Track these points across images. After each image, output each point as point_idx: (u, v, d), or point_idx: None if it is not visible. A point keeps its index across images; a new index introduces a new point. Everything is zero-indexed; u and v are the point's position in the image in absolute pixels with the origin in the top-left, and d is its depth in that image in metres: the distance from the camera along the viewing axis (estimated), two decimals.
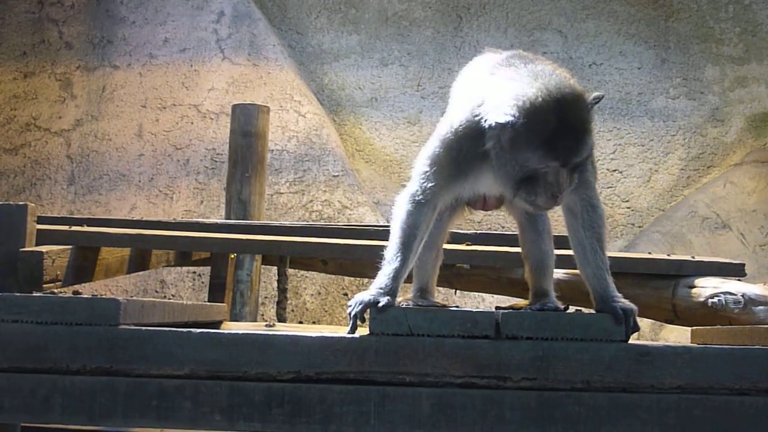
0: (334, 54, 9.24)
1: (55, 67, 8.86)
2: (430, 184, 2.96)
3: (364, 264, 5.33)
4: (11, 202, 4.43)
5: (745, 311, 4.28)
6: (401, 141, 9.09)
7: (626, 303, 2.84)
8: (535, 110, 2.67)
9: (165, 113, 8.66)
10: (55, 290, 4.69)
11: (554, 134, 2.68)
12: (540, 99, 2.68)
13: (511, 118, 2.66)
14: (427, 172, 2.97)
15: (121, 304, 2.75)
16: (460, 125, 2.89)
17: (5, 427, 3.32)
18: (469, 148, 2.85)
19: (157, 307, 3.17)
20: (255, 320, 6.39)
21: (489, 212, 3.42)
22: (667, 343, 2.94)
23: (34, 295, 2.94)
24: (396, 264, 2.91)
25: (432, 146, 2.99)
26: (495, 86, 2.82)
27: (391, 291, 2.87)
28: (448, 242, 4.96)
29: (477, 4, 9.13)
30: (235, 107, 7.09)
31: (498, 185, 2.88)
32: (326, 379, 2.67)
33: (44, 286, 4.22)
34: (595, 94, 2.81)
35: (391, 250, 2.95)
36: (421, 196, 2.96)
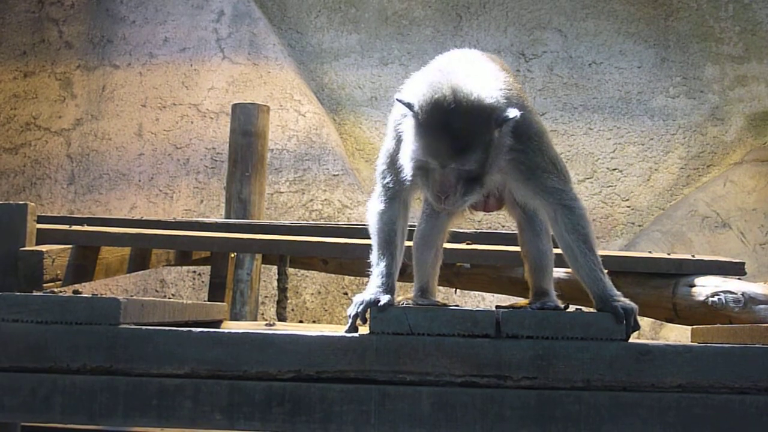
0: (334, 53, 9.23)
1: (55, 66, 8.86)
2: (389, 181, 3.02)
3: (365, 263, 5.30)
4: (11, 202, 4.43)
5: (745, 310, 4.28)
6: None
7: (626, 302, 2.83)
8: (427, 106, 2.72)
9: (165, 112, 8.66)
10: (55, 289, 4.69)
11: (434, 134, 2.72)
12: (435, 97, 2.72)
13: (409, 106, 2.76)
14: (384, 170, 3.04)
15: (121, 304, 2.75)
16: (394, 117, 3.00)
17: (5, 426, 3.32)
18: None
19: (157, 307, 3.17)
20: (255, 319, 6.39)
21: (489, 213, 3.41)
22: (667, 342, 2.94)
23: (35, 294, 2.94)
24: (385, 261, 2.94)
25: (385, 144, 3.06)
26: (419, 79, 2.87)
27: (390, 288, 2.89)
28: (449, 241, 4.97)
29: (477, 3, 9.13)
30: (235, 106, 7.09)
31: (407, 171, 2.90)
32: (326, 378, 2.67)
33: (44, 285, 4.22)
34: (508, 113, 2.74)
35: (376, 251, 3.02)
36: (385, 195, 3.04)
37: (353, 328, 2.81)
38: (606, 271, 3.00)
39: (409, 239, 3.33)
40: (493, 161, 2.79)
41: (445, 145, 2.73)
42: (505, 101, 2.77)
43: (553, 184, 2.94)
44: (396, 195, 3.01)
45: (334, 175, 8.40)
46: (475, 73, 2.84)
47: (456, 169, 2.75)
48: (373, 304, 2.79)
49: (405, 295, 3.48)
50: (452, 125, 2.71)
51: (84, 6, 8.99)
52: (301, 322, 7.73)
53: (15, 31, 8.96)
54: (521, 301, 3.45)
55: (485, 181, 2.83)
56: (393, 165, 2.98)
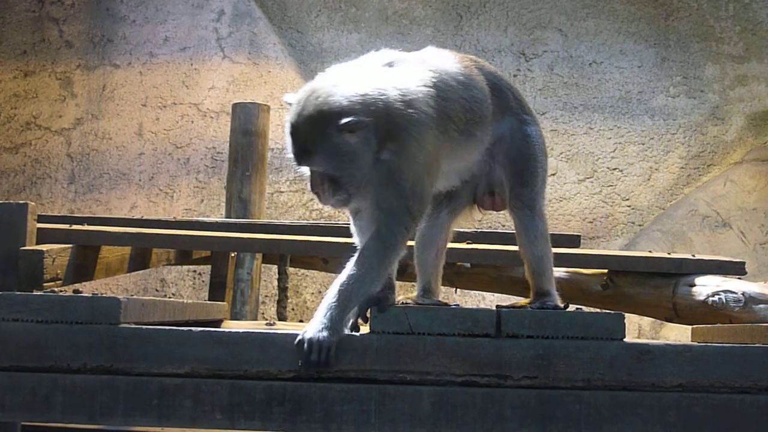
0: (335, 53, 9.23)
1: (55, 65, 8.85)
2: None
3: None
4: (12, 201, 4.43)
5: (745, 309, 4.28)
6: None
7: (319, 335, 2.67)
8: (290, 107, 2.86)
9: (165, 112, 8.66)
10: (56, 289, 4.69)
11: (288, 134, 2.84)
12: (296, 98, 2.84)
13: (289, 105, 2.89)
14: None
15: (121, 303, 2.75)
16: None
17: (6, 425, 3.32)
18: None
19: (157, 306, 3.17)
20: (255, 319, 6.39)
21: (498, 211, 3.40)
22: (667, 342, 2.94)
23: (35, 293, 2.94)
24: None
25: None
26: None
27: (389, 287, 2.93)
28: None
29: (477, 2, 9.13)
30: (235, 106, 7.09)
31: None
32: (327, 378, 2.67)
33: (45, 284, 4.22)
34: (349, 119, 2.73)
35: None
36: None
37: (355, 327, 2.81)
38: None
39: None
40: (350, 164, 2.79)
41: (294, 145, 2.83)
42: (359, 107, 2.74)
43: (389, 206, 2.83)
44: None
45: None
46: (352, 76, 2.86)
47: (317, 172, 2.82)
48: (373, 303, 2.79)
49: (406, 294, 3.48)
50: (298, 127, 2.80)
51: (84, 5, 8.99)
52: (301, 321, 7.73)
53: (15, 31, 8.95)
54: (522, 300, 3.45)
55: (353, 183, 2.82)
56: None
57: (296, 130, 2.81)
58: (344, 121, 2.73)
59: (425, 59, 3.07)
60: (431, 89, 2.91)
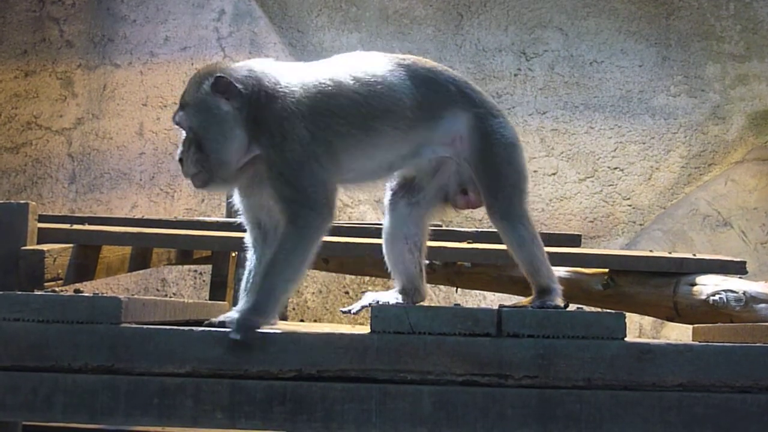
0: (335, 52, 9.16)
1: (56, 65, 8.86)
2: None
3: (366, 262, 5.32)
4: (12, 201, 4.43)
5: (746, 309, 4.27)
6: None
7: (237, 317, 2.81)
8: None
9: (166, 111, 8.65)
10: (57, 289, 4.68)
11: None
12: None
13: None
14: None
15: (122, 303, 2.76)
16: None
17: (7, 425, 3.31)
18: None
19: (158, 306, 3.17)
20: None
21: (473, 209, 3.39)
22: (668, 341, 2.94)
23: (36, 293, 2.94)
24: None
25: None
26: None
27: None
28: (449, 240, 4.97)
29: (478, 2, 9.13)
30: None
31: None
32: (327, 377, 2.67)
33: (45, 284, 4.22)
34: (227, 79, 2.94)
35: None
36: None
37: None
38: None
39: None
40: (217, 131, 2.93)
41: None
42: (239, 78, 2.95)
43: (284, 196, 2.93)
44: None
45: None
46: (263, 61, 3.10)
47: (188, 136, 2.97)
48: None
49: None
50: (186, 85, 3.06)
51: (85, 5, 8.99)
52: (302, 321, 7.74)
53: (16, 30, 8.96)
54: (524, 300, 3.45)
55: (218, 157, 2.94)
56: None
57: (183, 92, 3.03)
58: (218, 75, 2.93)
59: (341, 60, 3.21)
60: (311, 86, 2.99)
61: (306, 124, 2.93)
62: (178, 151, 3.01)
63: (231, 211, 6.76)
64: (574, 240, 5.48)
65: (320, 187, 2.93)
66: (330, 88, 3.01)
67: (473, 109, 3.17)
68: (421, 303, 3.33)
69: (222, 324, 2.79)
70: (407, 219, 3.29)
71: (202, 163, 2.96)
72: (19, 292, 2.94)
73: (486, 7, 9.14)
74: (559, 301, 3.17)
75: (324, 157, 2.95)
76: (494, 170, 3.15)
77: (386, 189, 3.35)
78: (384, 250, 3.37)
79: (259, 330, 2.72)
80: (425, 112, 3.12)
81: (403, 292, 3.32)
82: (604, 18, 9.09)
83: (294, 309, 7.91)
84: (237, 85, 2.94)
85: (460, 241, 4.95)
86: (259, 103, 2.95)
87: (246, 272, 3.19)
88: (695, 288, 4.50)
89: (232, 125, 2.93)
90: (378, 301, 3.22)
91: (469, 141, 3.15)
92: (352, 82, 3.04)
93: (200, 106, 2.96)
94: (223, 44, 8.84)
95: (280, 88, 2.97)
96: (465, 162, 3.17)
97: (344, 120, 2.99)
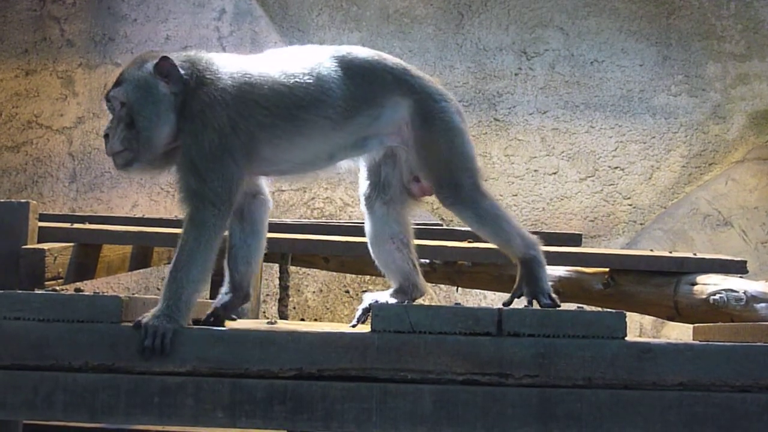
0: None
1: (56, 64, 8.85)
2: None
3: (366, 261, 5.31)
4: (13, 200, 4.44)
5: (746, 308, 4.27)
6: None
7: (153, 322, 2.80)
8: None
9: None
10: (57, 288, 4.68)
11: None
12: None
13: None
14: None
15: (122, 302, 2.76)
16: None
17: (7, 424, 3.32)
18: None
19: None
20: (257, 317, 6.39)
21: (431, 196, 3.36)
22: (668, 341, 2.94)
23: (36, 292, 2.94)
24: None
25: None
26: None
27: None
28: (449, 239, 4.97)
29: (478, 1, 9.12)
30: None
31: None
32: (328, 376, 2.67)
33: (46, 283, 4.22)
34: (172, 62, 3.01)
35: None
36: None
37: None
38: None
39: None
40: (151, 110, 2.96)
41: None
42: (182, 64, 3.02)
43: (190, 186, 2.94)
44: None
45: (335, 174, 8.39)
46: (202, 52, 3.17)
47: (117, 112, 2.99)
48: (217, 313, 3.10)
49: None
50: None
51: (86, 4, 8.99)
52: (302, 320, 7.74)
53: (16, 29, 8.95)
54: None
55: (147, 137, 2.97)
56: None
57: (124, 68, 3.09)
58: (163, 56, 3.00)
59: (276, 53, 3.23)
60: (238, 76, 3.02)
61: (229, 112, 2.94)
62: (105, 127, 3.04)
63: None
64: (575, 239, 5.48)
65: (226, 183, 2.93)
66: (256, 78, 3.02)
67: (413, 96, 3.13)
68: (422, 298, 3.33)
69: (138, 325, 2.75)
70: (387, 218, 3.28)
71: (130, 141, 2.98)
72: (20, 291, 2.94)
73: (486, 6, 9.13)
74: (542, 267, 3.13)
75: (239, 151, 2.95)
76: (435, 156, 3.12)
77: (360, 195, 3.35)
78: (373, 255, 3.37)
79: (170, 334, 2.71)
80: (362, 103, 3.09)
81: (400, 290, 3.31)
82: (605, 17, 9.09)
83: (294, 308, 7.92)
84: (180, 70, 2.99)
85: (460, 240, 4.95)
86: (189, 90, 2.98)
87: (227, 260, 3.23)
88: (696, 287, 4.50)
89: (167, 108, 2.98)
90: (377, 301, 3.21)
91: (411, 127, 3.13)
92: (278, 73, 3.04)
93: (140, 83, 3.00)
94: (224, 43, 8.84)
95: (209, 75, 3.00)
96: (412, 148, 3.16)
97: (268, 110, 2.99)
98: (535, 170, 8.74)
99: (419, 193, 3.27)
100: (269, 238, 5.11)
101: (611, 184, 8.85)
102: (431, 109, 3.12)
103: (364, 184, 3.33)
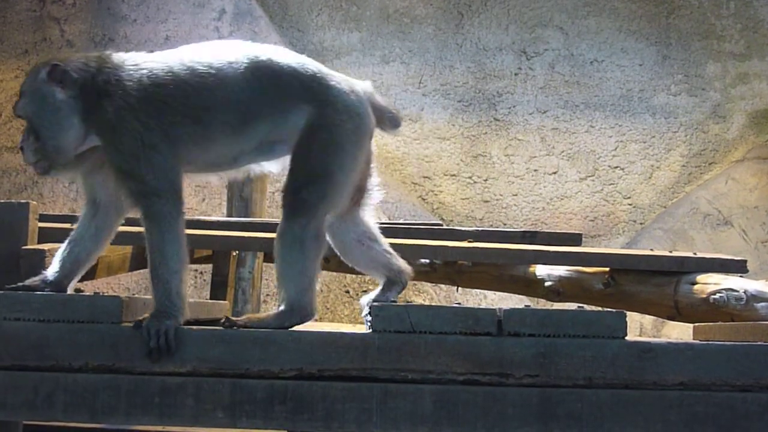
0: (336, 51, 9.23)
1: None
2: None
3: None
4: (13, 200, 4.43)
5: (747, 308, 4.27)
6: (403, 138, 9.08)
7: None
8: None
9: None
10: None
11: None
12: None
13: None
14: None
15: (122, 302, 2.76)
16: None
17: (8, 424, 3.32)
18: None
19: None
20: None
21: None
22: (669, 340, 2.94)
23: (36, 293, 2.94)
24: None
25: None
26: None
27: None
28: (450, 239, 4.97)
29: (478, 1, 9.13)
30: None
31: None
32: (328, 377, 2.67)
33: None
34: (61, 67, 2.98)
35: None
36: None
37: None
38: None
39: None
40: (52, 119, 2.97)
41: None
42: (75, 66, 2.98)
43: (130, 189, 2.94)
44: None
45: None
46: (107, 52, 3.12)
47: (27, 125, 3.04)
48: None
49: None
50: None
51: (85, 4, 8.99)
52: None
53: (16, 30, 8.96)
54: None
55: (55, 146, 2.98)
56: None
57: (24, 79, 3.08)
58: (54, 63, 2.98)
59: (187, 49, 3.13)
60: (145, 76, 2.96)
61: (137, 115, 2.90)
62: (20, 139, 3.07)
63: (232, 211, 6.78)
64: (575, 239, 5.48)
65: (161, 174, 2.91)
66: (163, 78, 2.96)
67: (315, 104, 3.02)
68: (410, 277, 3.27)
69: (138, 326, 2.74)
70: (346, 222, 3.23)
71: (41, 151, 3.00)
72: (20, 292, 2.94)
73: (486, 6, 9.14)
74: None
75: (161, 145, 2.92)
76: (300, 161, 3.01)
77: None
78: (350, 263, 3.33)
79: (173, 331, 2.71)
80: (264, 108, 3.02)
81: (389, 282, 3.25)
82: (605, 17, 9.09)
83: None
84: (73, 74, 2.96)
85: (460, 240, 4.95)
86: (94, 93, 2.95)
87: (66, 242, 3.20)
88: (696, 287, 4.50)
89: (67, 114, 2.96)
90: (376, 301, 3.18)
91: (299, 134, 3.02)
92: (186, 72, 2.98)
93: (35, 94, 3.01)
94: None
95: (115, 78, 2.95)
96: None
97: (175, 110, 2.94)
98: (535, 170, 8.74)
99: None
100: (269, 239, 5.12)
101: (611, 184, 8.85)
102: (325, 120, 3.01)
103: None
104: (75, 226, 3.21)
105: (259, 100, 3.01)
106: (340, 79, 3.13)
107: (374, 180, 3.27)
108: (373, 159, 3.28)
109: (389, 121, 3.25)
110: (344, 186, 3.06)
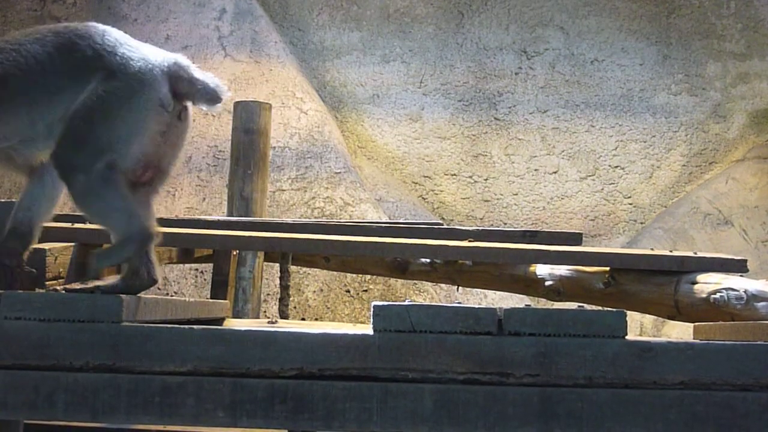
0: (336, 51, 9.23)
1: None
2: None
3: (367, 261, 5.32)
4: (13, 200, 4.43)
5: (747, 307, 4.27)
6: (403, 138, 9.09)
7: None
8: None
9: None
10: (58, 287, 4.69)
11: None
12: None
13: None
14: None
15: (123, 302, 2.76)
16: None
17: (8, 424, 3.32)
18: None
19: (159, 304, 3.17)
20: (257, 317, 6.40)
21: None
22: (669, 339, 2.94)
23: (37, 292, 2.94)
24: None
25: None
26: None
27: None
28: (450, 239, 4.97)
29: (479, 0, 9.13)
30: (237, 104, 7.09)
31: None
32: (329, 376, 2.67)
33: (47, 283, 4.22)
34: None
35: None
36: None
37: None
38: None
39: None
40: None
41: None
42: None
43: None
44: None
45: (336, 173, 8.40)
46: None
47: None
48: None
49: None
50: None
51: (86, 4, 8.99)
52: (303, 319, 7.74)
53: (17, 29, 8.94)
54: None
55: None
56: None
57: None
58: None
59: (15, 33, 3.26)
60: None
61: None
62: None
63: (232, 210, 6.78)
64: (575, 238, 5.48)
65: None
66: None
67: (104, 72, 3.05)
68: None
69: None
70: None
71: None
72: (21, 291, 2.94)
73: (487, 5, 9.14)
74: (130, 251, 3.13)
75: None
76: (72, 124, 3.03)
77: None
78: None
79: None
80: (66, 79, 3.06)
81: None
82: (605, 17, 9.09)
83: (295, 308, 7.92)
84: None
85: (460, 240, 4.95)
86: None
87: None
88: (696, 286, 4.50)
89: None
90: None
91: (85, 100, 3.04)
92: None
93: None
94: (224, 43, 8.84)
95: None
96: None
97: None
98: (536, 169, 8.74)
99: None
100: (269, 238, 5.13)
101: (611, 183, 8.85)
102: (105, 86, 3.03)
103: None
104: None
105: (62, 71, 3.07)
106: (135, 47, 3.16)
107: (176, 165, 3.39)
108: (182, 143, 3.38)
109: (201, 95, 3.24)
110: (125, 156, 3.10)
